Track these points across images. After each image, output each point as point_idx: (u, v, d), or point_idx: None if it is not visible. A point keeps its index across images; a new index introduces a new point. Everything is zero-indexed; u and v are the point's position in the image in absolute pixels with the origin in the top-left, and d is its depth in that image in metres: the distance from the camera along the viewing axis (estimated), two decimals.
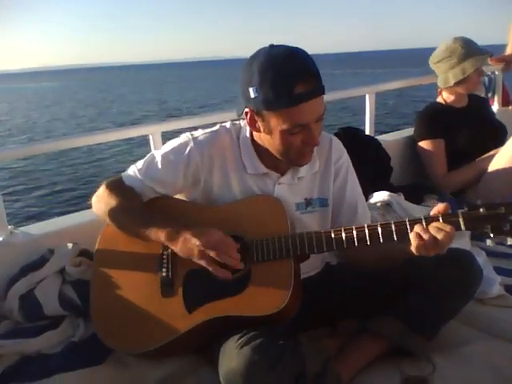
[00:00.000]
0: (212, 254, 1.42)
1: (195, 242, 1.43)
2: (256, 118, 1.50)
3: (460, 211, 1.36)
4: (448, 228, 1.33)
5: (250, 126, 1.57)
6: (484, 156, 2.81)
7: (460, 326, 1.76)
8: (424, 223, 1.37)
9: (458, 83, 2.85)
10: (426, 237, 1.33)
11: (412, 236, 1.36)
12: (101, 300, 1.60)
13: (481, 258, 2.05)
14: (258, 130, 1.54)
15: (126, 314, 1.54)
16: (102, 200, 1.64)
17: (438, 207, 1.39)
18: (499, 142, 2.83)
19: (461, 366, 1.58)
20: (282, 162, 1.63)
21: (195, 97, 34.63)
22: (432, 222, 1.37)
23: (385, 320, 1.63)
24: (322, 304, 1.71)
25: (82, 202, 8.25)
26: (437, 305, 1.60)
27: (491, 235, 1.33)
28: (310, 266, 1.72)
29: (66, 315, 1.85)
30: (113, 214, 1.60)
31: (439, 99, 3.08)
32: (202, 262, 1.44)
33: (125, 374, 1.63)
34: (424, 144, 2.96)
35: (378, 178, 2.73)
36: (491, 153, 2.76)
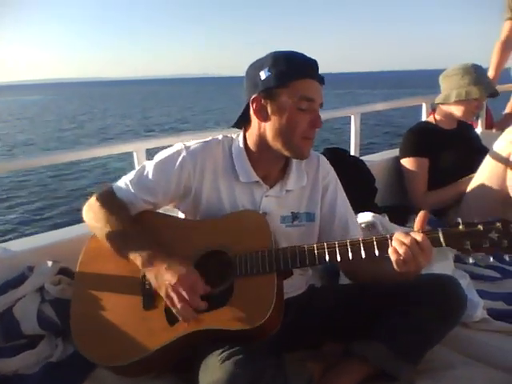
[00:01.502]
0: (175, 299, 1.41)
1: (166, 281, 1.43)
2: (264, 101, 1.58)
3: (440, 228, 1.39)
4: (426, 241, 1.36)
5: (256, 114, 1.61)
6: (463, 179, 2.84)
7: (444, 349, 1.75)
8: None
9: (456, 102, 2.90)
10: (402, 250, 1.35)
11: (390, 251, 1.38)
12: (82, 313, 1.58)
13: (464, 281, 2.05)
14: (265, 117, 1.60)
15: (107, 326, 1.52)
16: (91, 211, 1.66)
17: (417, 221, 1.46)
18: None
19: None
20: (274, 170, 1.70)
21: (179, 113, 34.91)
22: None
23: (370, 344, 1.61)
24: (305, 325, 1.71)
25: (63, 219, 8.19)
26: (421, 330, 1.60)
27: (471, 250, 1.35)
28: (294, 287, 1.72)
29: (45, 335, 1.81)
30: (99, 227, 1.61)
31: (430, 119, 3.12)
32: (167, 301, 1.44)
33: None
34: (408, 161, 2.99)
35: (363, 198, 2.73)
36: (470, 176, 2.79)
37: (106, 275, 1.63)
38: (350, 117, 3.24)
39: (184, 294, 1.40)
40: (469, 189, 2.75)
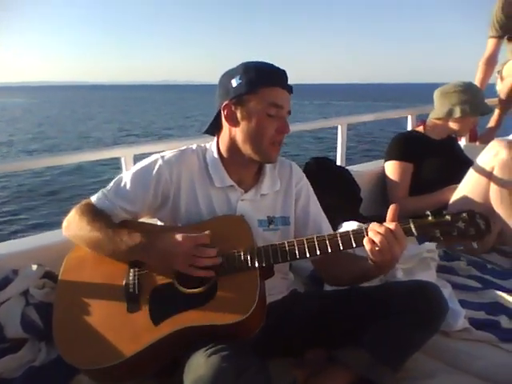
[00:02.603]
0: (190, 262, 1.49)
1: (171, 256, 1.50)
2: (234, 108, 1.66)
3: (410, 218, 1.49)
4: (400, 230, 1.44)
5: (227, 120, 1.68)
6: (445, 189, 2.88)
7: (425, 358, 1.77)
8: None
9: (459, 118, 2.94)
10: (377, 239, 1.42)
11: (366, 241, 1.46)
12: (65, 320, 1.57)
13: (446, 291, 2.08)
14: (235, 122, 1.67)
15: (90, 330, 1.51)
16: (72, 223, 1.67)
17: (389, 213, 1.50)
18: None
19: None
20: (247, 175, 1.77)
21: (160, 118, 34.92)
22: None
23: (352, 350, 1.63)
24: (288, 330, 1.72)
25: (48, 223, 8.12)
26: (402, 336, 1.61)
27: (441, 239, 1.46)
28: (276, 290, 1.75)
29: (28, 338, 1.79)
30: (84, 235, 1.62)
31: (419, 129, 3.15)
32: (186, 272, 1.50)
33: None
34: (392, 164, 3.02)
35: (348, 208, 2.76)
36: (452, 186, 2.83)
37: (89, 283, 1.63)
38: (336, 127, 3.29)
39: (192, 253, 1.49)
40: (452, 200, 2.79)
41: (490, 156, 2.61)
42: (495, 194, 2.56)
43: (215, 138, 1.78)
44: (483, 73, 3.86)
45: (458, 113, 2.91)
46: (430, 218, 1.48)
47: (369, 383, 1.60)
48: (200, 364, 1.30)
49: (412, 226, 1.47)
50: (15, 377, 1.64)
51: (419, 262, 2.27)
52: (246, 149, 1.68)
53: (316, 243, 1.52)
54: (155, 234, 1.56)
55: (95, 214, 1.65)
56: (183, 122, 32.53)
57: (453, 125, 3.00)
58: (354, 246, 1.50)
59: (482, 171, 2.64)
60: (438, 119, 3.03)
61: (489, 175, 2.60)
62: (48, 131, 26.48)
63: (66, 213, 1.72)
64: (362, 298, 1.72)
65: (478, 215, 1.47)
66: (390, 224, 1.45)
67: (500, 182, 2.55)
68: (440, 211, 1.50)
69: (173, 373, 1.45)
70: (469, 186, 2.70)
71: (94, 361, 1.47)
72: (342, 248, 1.50)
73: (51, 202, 10.41)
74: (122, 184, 1.69)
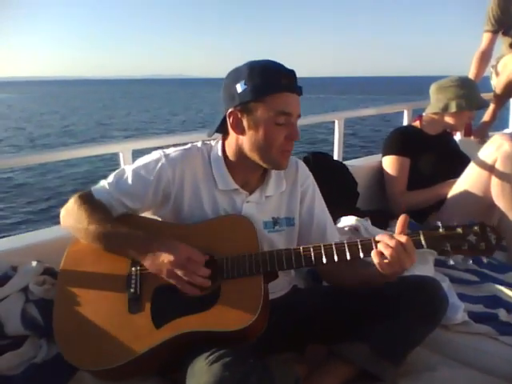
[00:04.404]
0: (180, 273, 1.45)
1: (164, 259, 1.46)
2: (240, 115, 1.58)
3: (421, 230, 1.45)
4: (410, 243, 1.40)
5: (233, 128, 1.61)
6: (444, 183, 2.88)
7: (426, 351, 1.78)
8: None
9: (455, 113, 2.94)
10: (387, 252, 1.39)
11: (374, 253, 1.42)
12: (65, 317, 1.56)
13: (445, 284, 2.07)
14: (242, 131, 1.60)
15: (91, 330, 1.50)
16: (71, 214, 1.64)
17: (399, 224, 1.46)
18: (462, 172, 2.91)
19: None
20: (253, 178, 1.71)
21: (145, 113, 34.75)
22: None
23: (353, 345, 1.64)
24: (289, 326, 1.72)
25: (45, 219, 8.07)
26: (404, 331, 1.63)
27: (451, 252, 1.42)
28: (278, 287, 1.74)
29: (29, 335, 1.77)
30: (82, 228, 1.59)
31: (415, 124, 3.15)
32: (171, 280, 1.48)
33: None
34: (390, 159, 3.02)
35: (346, 202, 2.77)
36: (451, 180, 2.83)
37: (89, 279, 1.61)
38: (333, 122, 3.29)
39: (185, 264, 1.45)
40: (451, 194, 2.79)
41: (493, 149, 2.60)
42: (497, 187, 2.55)
43: (220, 139, 1.73)
44: (477, 67, 3.87)
45: (453, 107, 2.91)
46: (440, 230, 1.44)
47: (370, 377, 1.61)
48: (202, 372, 1.29)
49: (422, 238, 1.44)
50: (16, 374, 1.63)
51: (417, 257, 2.28)
52: (254, 157, 1.61)
53: (323, 251, 1.49)
54: (154, 237, 1.53)
55: (94, 207, 1.61)
56: (169, 117, 32.47)
57: (449, 119, 3.00)
58: (362, 256, 1.46)
59: (483, 165, 2.63)
60: (435, 114, 3.03)
61: (491, 168, 2.59)
62: (30, 127, 26.27)
63: (58, 207, 1.71)
64: (363, 294, 1.72)
65: (490, 229, 1.43)
66: (400, 237, 1.41)
67: (502, 175, 2.54)
68: (451, 224, 1.46)
69: (177, 369, 1.45)
70: (469, 180, 2.70)
71: (94, 362, 1.46)
72: (348, 258, 1.47)
73: (50, 199, 10.32)
74: (123, 178, 1.65)
